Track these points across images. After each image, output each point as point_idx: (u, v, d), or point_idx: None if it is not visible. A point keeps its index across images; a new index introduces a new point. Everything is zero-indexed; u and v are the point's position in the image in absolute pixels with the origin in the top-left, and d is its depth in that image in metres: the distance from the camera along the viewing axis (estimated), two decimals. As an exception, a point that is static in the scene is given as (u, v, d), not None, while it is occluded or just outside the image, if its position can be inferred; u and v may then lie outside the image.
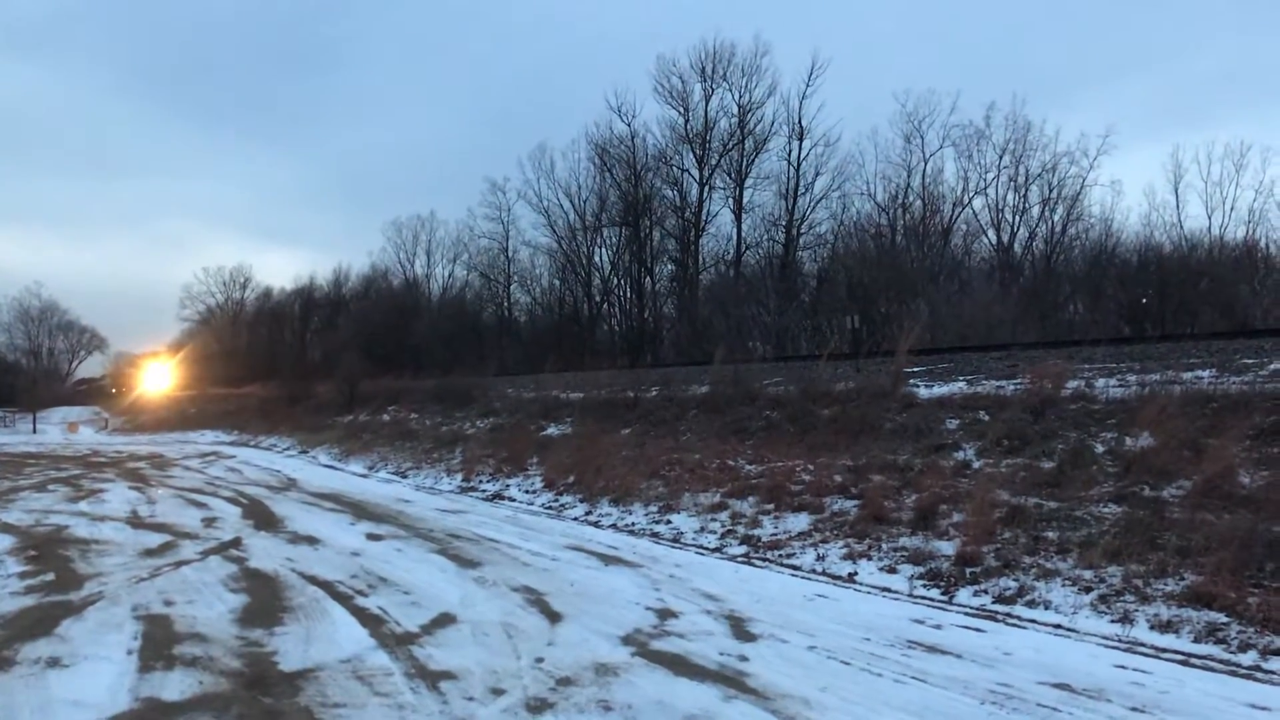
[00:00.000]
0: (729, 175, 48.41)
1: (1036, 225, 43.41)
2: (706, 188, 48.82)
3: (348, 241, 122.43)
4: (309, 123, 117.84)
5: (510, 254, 57.06)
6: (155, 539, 10.96)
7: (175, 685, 5.44)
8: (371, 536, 11.16)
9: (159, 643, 6.37)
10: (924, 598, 7.70)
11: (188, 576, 8.75)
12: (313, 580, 8.53)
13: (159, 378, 68.77)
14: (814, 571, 8.81)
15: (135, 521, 12.58)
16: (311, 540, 10.91)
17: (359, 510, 13.65)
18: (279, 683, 5.53)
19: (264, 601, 7.70)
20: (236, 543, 10.74)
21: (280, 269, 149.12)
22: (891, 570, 8.45)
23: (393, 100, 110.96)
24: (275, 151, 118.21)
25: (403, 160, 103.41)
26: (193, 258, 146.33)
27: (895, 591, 7.94)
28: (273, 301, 77.33)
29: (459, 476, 17.18)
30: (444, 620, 7.01)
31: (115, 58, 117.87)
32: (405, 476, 18.61)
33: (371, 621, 6.99)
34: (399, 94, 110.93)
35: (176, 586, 8.25)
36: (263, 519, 12.83)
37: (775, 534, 10.12)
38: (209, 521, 12.56)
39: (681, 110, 48.70)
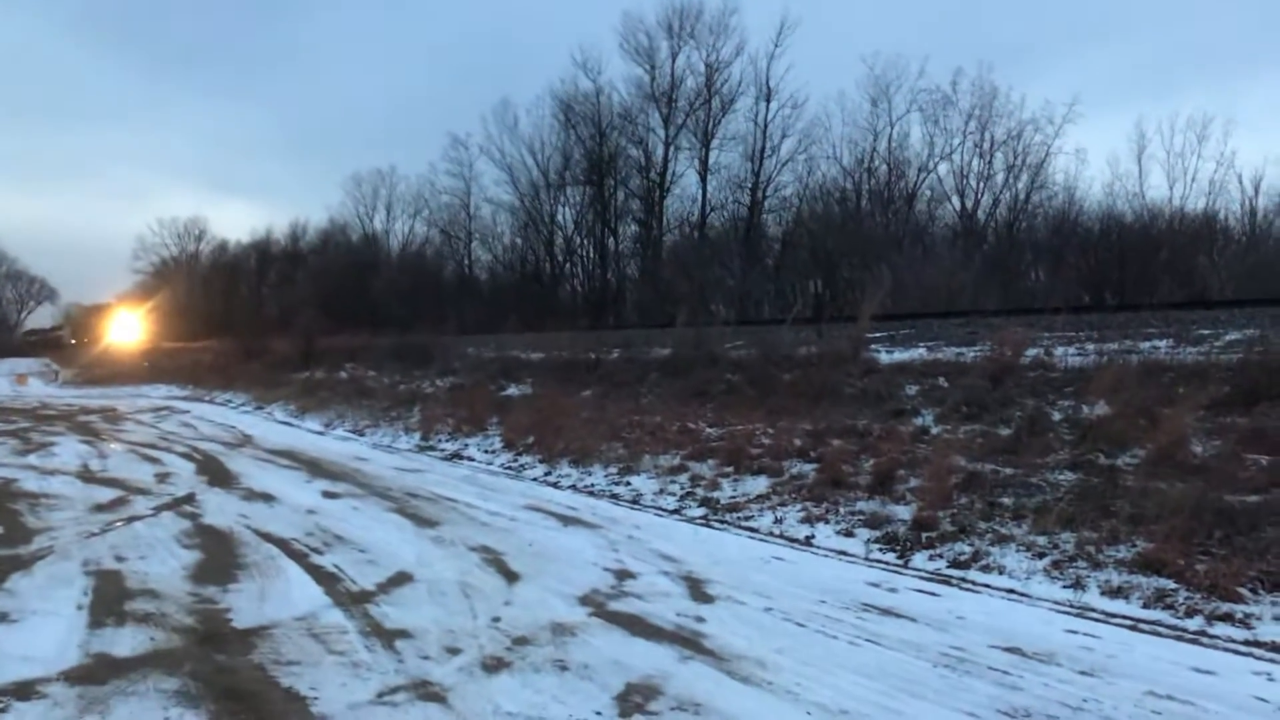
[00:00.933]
0: (695, 135, 48.16)
1: (1000, 192, 43.70)
2: (672, 147, 48.57)
3: (306, 195, 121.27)
4: (267, 73, 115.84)
5: (472, 210, 56.54)
6: (107, 494, 10.81)
7: (126, 641, 5.38)
8: (328, 494, 11.07)
9: (110, 598, 6.28)
10: (880, 561, 7.76)
11: (140, 532, 8.64)
12: (268, 537, 8.44)
13: (114, 330, 67.01)
14: (772, 534, 8.85)
15: (86, 476, 12.40)
16: (267, 497, 10.80)
17: (315, 467, 13.54)
18: (232, 640, 5.47)
19: (218, 558, 7.62)
20: (190, 499, 10.61)
21: (237, 222, 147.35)
22: (848, 534, 8.51)
23: (353, 51, 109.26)
24: (233, 102, 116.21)
25: (363, 113, 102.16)
26: (147, 208, 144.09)
27: (852, 555, 8.00)
28: (228, 255, 76.31)
29: (417, 435, 17.08)
30: (400, 579, 6.97)
31: (59, 3, 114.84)
32: (362, 434, 18.47)
33: (327, 579, 6.94)
34: (360, 45, 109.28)
35: (128, 542, 8.14)
36: (217, 475, 12.69)
37: (734, 496, 10.15)
38: (162, 477, 12.40)
39: (648, 68, 48.33)
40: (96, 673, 4.85)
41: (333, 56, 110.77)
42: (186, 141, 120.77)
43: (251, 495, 10.96)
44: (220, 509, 9.95)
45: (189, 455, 15.00)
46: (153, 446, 16.29)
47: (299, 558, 7.65)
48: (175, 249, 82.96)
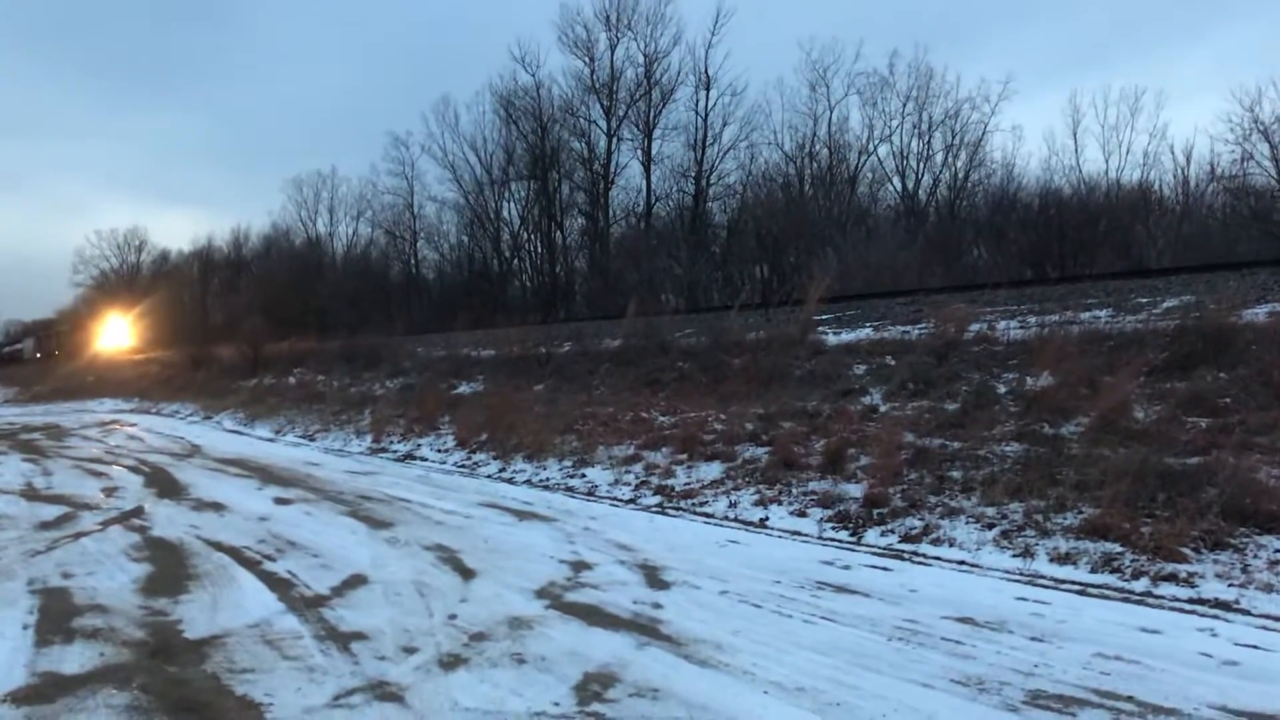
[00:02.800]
0: (637, 126, 48.12)
1: (940, 172, 44.16)
2: (615, 139, 48.49)
3: (247, 201, 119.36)
4: (204, 80, 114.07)
5: (416, 210, 56.08)
6: (52, 511, 10.59)
7: (75, 658, 5.28)
8: (279, 500, 10.95)
9: (57, 616, 6.17)
10: (833, 539, 7.84)
11: (87, 548, 8.48)
12: (219, 547, 8.33)
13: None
14: (726, 518, 8.90)
15: (30, 494, 12.14)
16: (217, 506, 10.66)
17: (266, 475, 13.38)
18: (184, 651, 5.40)
19: (168, 570, 7.50)
20: (139, 512, 10.44)
21: (178, 231, 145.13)
22: (802, 514, 8.58)
23: (290, 54, 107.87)
24: (169, 110, 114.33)
25: (302, 116, 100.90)
26: (84, 220, 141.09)
27: (805, 535, 8.07)
28: (170, 264, 75.17)
29: (369, 438, 16.94)
30: (355, 581, 6.92)
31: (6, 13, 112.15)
32: (313, 439, 18.28)
33: (280, 585, 6.87)
34: (296, 47, 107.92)
35: (75, 558, 7.99)
36: (166, 487, 12.50)
37: (688, 483, 10.19)
38: (109, 491, 12.19)
39: (587, 60, 48.16)
40: (44, 692, 4.76)
41: (269, 60, 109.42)
42: (123, 151, 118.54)
43: (202, 505, 10.80)
44: (170, 520, 9.80)
45: (137, 468, 14.75)
46: (99, 461, 16.00)
47: (251, 565, 7.56)
48: (115, 260, 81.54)
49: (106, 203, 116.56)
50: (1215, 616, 5.43)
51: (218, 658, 5.23)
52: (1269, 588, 5.72)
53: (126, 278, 78.22)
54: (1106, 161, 42.13)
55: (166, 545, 8.53)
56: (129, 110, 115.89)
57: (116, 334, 61.59)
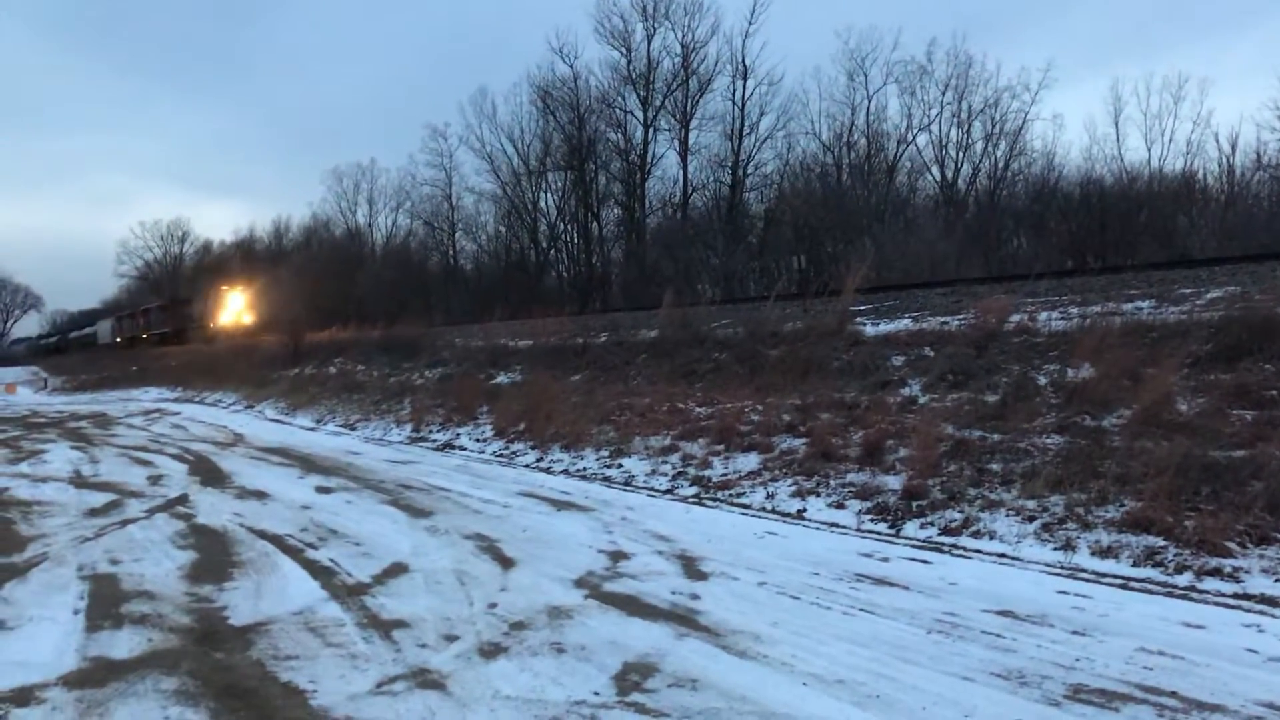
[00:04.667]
0: (674, 116, 48.15)
1: (980, 161, 43.84)
2: (651, 129, 48.56)
3: (288, 192, 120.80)
4: (245, 72, 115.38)
5: (454, 201, 56.56)
6: (99, 498, 10.78)
7: (124, 643, 5.38)
8: (321, 489, 11.08)
9: (106, 601, 6.28)
10: (871, 532, 7.82)
11: (134, 535, 8.64)
12: (262, 535, 8.45)
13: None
14: (764, 510, 8.90)
15: (78, 481, 12.37)
16: (260, 495, 10.81)
17: (307, 463, 13.54)
18: (230, 637, 5.49)
19: (213, 557, 7.62)
20: (183, 499, 10.61)
21: (219, 222, 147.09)
22: (839, 506, 8.56)
23: (329, 47, 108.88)
24: (210, 102, 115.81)
25: (341, 108, 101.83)
26: (129, 213, 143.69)
27: (843, 526, 8.05)
28: (212, 255, 76.09)
29: (408, 427, 17.08)
30: (396, 570, 7.00)
31: (37, 8, 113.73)
32: (354, 429, 18.47)
33: (322, 574, 6.95)
34: (335, 40, 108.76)
35: (123, 545, 8.13)
36: (209, 475, 12.68)
37: (725, 474, 10.19)
38: (154, 479, 12.39)
39: (624, 51, 48.24)
40: (95, 676, 4.86)
41: (309, 53, 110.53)
42: (166, 143, 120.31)
43: (244, 494, 10.96)
44: (214, 508, 9.95)
45: (181, 456, 14.98)
46: (144, 449, 16.26)
47: (294, 553, 7.67)
48: (159, 251, 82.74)
49: (149, 195, 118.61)
50: (1261, 612, 5.37)
51: (262, 644, 5.32)
52: (1316, 583, 5.64)
53: (170, 268, 79.16)
54: (1149, 150, 41.62)
55: (211, 533, 8.66)
56: (171, 104, 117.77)
57: (233, 312, 50.82)
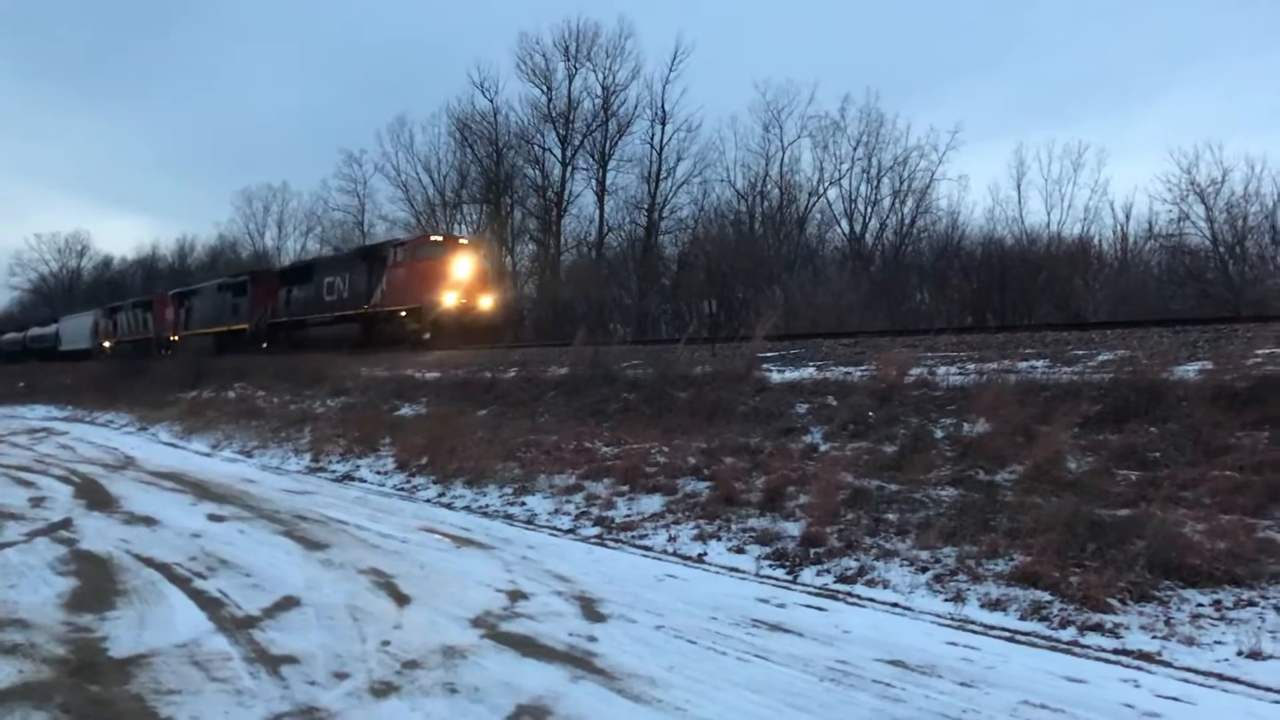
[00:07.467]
0: (592, 156, 48.49)
1: (887, 216, 45.02)
2: (569, 168, 48.83)
3: (194, 211, 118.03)
4: (155, 85, 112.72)
5: (366, 228, 56.09)
6: (-25, 520, 10.33)
7: (-8, 675, 5.16)
8: (213, 517, 10.77)
9: (-25, 630, 6.02)
10: (770, 577, 7.89)
11: (10, 559, 8.29)
12: (149, 562, 8.18)
13: None
14: (665, 552, 8.92)
15: (-47, 501, 11.83)
16: (149, 521, 10.46)
17: (201, 490, 13.16)
18: (109, 670, 5.30)
19: (95, 585, 7.36)
20: (67, 524, 10.22)
21: (121, 238, 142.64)
22: (740, 550, 8.62)
23: (245, 65, 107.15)
24: (118, 114, 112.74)
25: (254, 128, 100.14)
26: (23, 223, 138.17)
27: (743, 571, 8.11)
28: (112, 271, 73.87)
29: (307, 456, 16.73)
30: (287, 603, 6.84)
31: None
32: (251, 456, 18.01)
33: (211, 605, 6.76)
34: (252, 59, 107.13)
35: (-3, 570, 7.80)
36: (96, 499, 12.24)
37: (629, 515, 10.20)
38: (37, 501, 11.91)
39: (544, 89, 48.54)
40: (-40, 708, 4.65)
41: (223, 70, 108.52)
42: (68, 153, 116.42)
43: (133, 519, 10.60)
44: (99, 534, 9.60)
45: (67, 479, 14.43)
46: (27, 470, 15.62)
47: (182, 583, 7.44)
48: (55, 264, 79.98)
49: (47, 205, 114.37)
50: (1138, 668, 5.56)
51: (143, 678, 5.14)
52: (1190, 641, 5.86)
53: (66, 283, 76.65)
54: (1048, 214, 43.29)
55: (95, 559, 8.36)
56: (74, 111, 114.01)
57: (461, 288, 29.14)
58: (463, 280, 27.31)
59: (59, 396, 37.14)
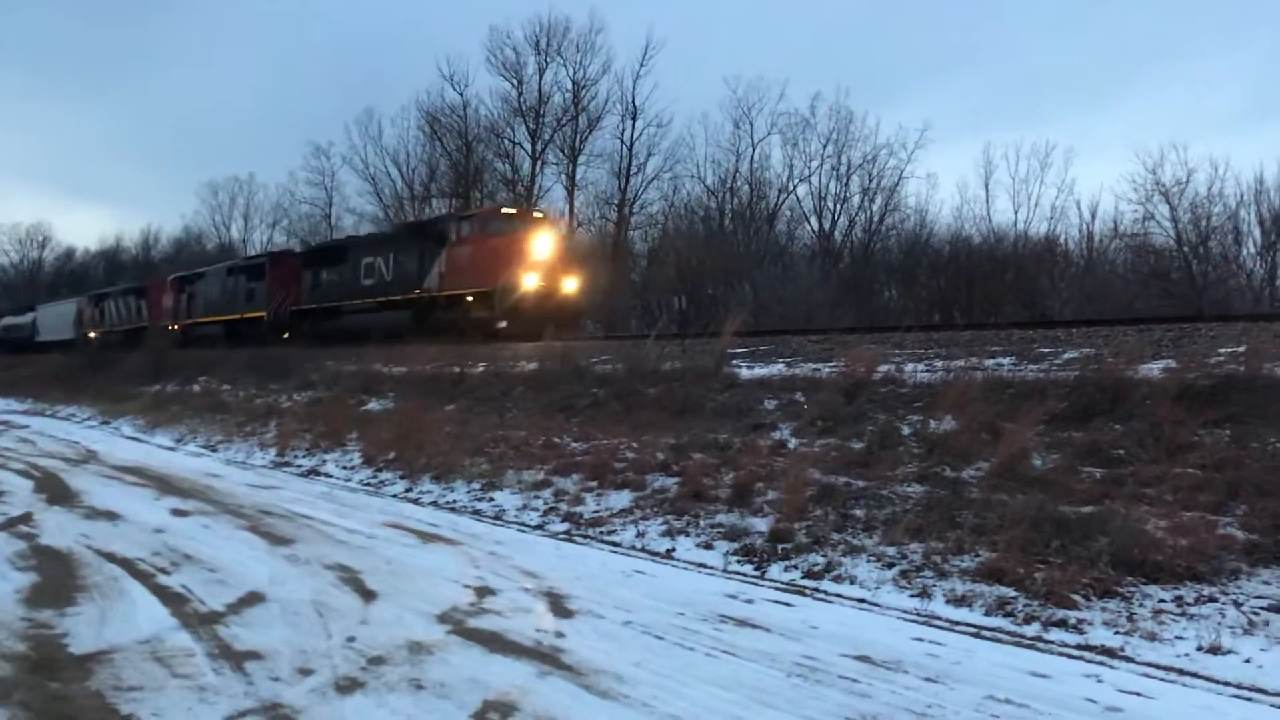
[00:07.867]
0: (562, 151, 48.41)
1: (856, 214, 45.27)
2: (539, 162, 48.66)
3: (160, 202, 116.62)
4: (119, 73, 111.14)
5: (334, 221, 55.74)
6: (-68, 514, 10.16)
7: (-52, 672, 5.07)
8: (177, 512, 10.66)
9: (-69, 626, 5.92)
10: (738, 573, 7.90)
11: (-33, 555, 8.16)
12: (111, 558, 8.08)
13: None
14: (634, 548, 8.91)
15: (-91, 495, 11.64)
16: (111, 516, 10.33)
17: (164, 484, 13.01)
18: (68, 666, 5.22)
19: (55, 580, 7.25)
20: (26, 518, 10.07)
21: (85, 229, 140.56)
22: (708, 546, 8.63)
23: (212, 55, 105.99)
24: (80, 102, 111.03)
25: (221, 119, 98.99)
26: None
27: (711, 567, 8.12)
28: (75, 263, 72.89)
29: (273, 451, 16.59)
30: (252, 599, 6.77)
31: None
32: (215, 450, 17.84)
33: (174, 600, 6.69)
34: (219, 49, 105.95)
35: (-46, 565, 7.67)
36: (57, 493, 12.07)
37: (597, 511, 10.19)
38: (-5, 495, 11.74)
39: (515, 83, 48.40)
40: (-85, 705, 4.57)
41: (188, 59, 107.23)
42: (30, 141, 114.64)
43: (95, 514, 10.47)
44: (60, 529, 9.47)
45: (26, 473, 14.23)
46: (-15, 463, 15.39)
47: (144, 578, 7.35)
48: (15, 255, 78.78)
49: (7, 195, 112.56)
50: (1101, 663, 5.61)
51: (104, 674, 5.07)
52: (1152, 636, 5.92)
53: (27, 274, 75.53)
54: (1016, 213, 43.70)
55: (55, 554, 8.25)
56: (34, 101, 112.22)
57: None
58: (543, 260, 23.55)
59: (18, 390, 36.63)
